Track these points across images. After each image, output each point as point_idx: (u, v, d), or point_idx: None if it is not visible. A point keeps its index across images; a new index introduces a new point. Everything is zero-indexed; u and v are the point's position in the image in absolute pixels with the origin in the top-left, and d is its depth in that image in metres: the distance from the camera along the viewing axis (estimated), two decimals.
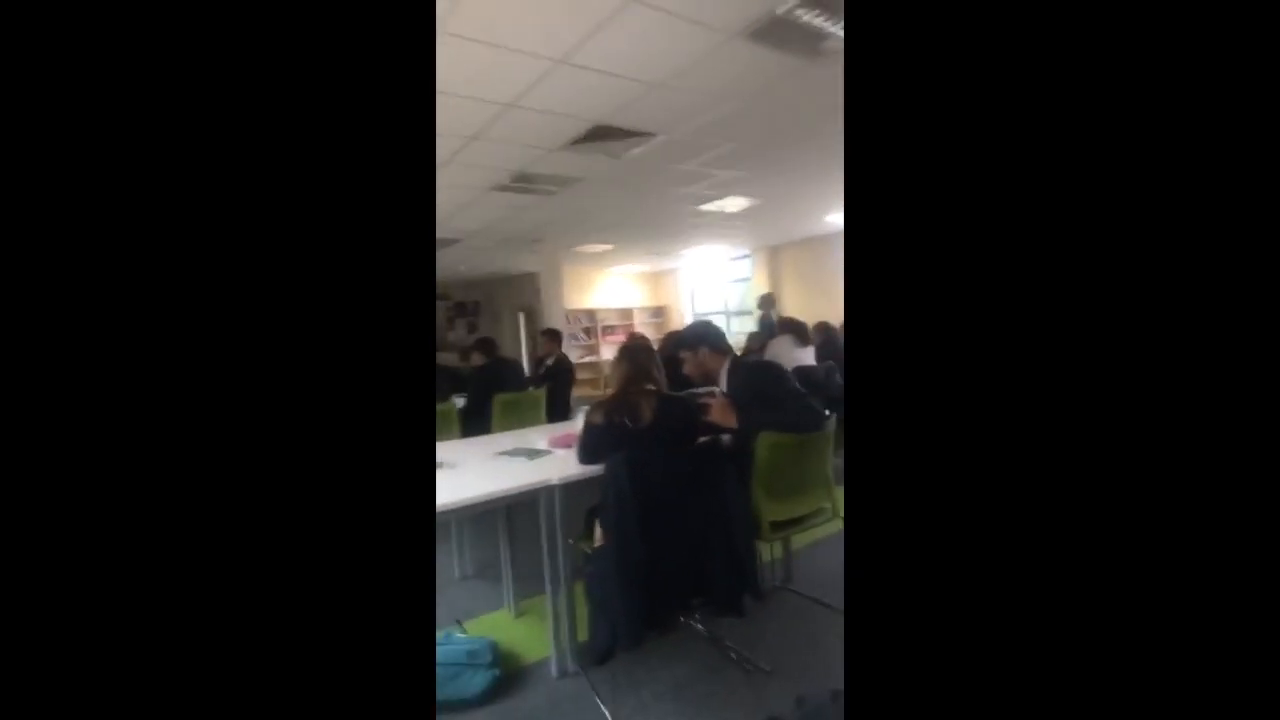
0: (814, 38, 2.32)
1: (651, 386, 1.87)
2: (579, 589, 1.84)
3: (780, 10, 2.10)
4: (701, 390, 2.11)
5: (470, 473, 1.96)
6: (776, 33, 2.25)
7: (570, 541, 1.85)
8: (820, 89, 2.80)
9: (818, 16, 2.16)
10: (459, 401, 3.51)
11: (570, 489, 1.82)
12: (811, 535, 2.34)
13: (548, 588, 1.83)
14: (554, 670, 1.86)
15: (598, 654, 1.71)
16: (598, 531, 1.73)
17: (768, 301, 6.72)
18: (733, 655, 1.92)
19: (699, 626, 2.07)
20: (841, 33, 2.24)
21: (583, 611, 1.78)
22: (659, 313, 10.61)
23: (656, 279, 10.74)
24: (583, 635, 1.82)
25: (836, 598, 2.13)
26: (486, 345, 4.21)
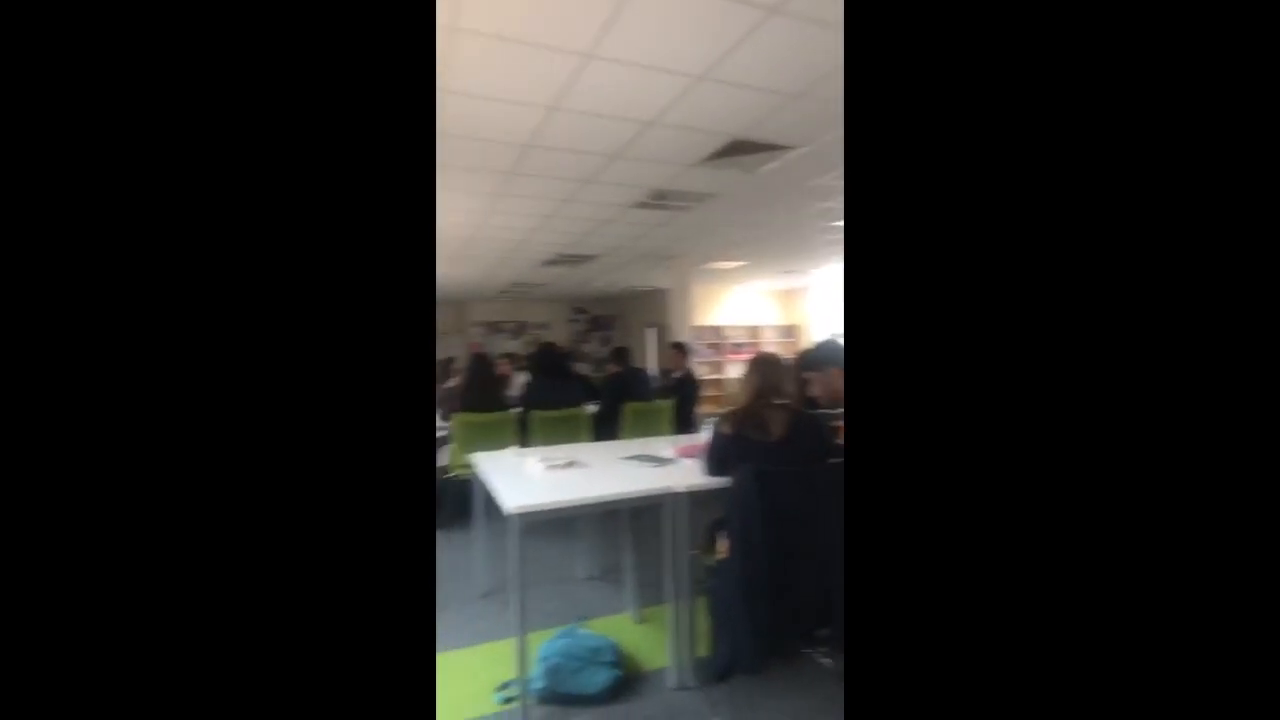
0: None
1: (782, 401, 1.82)
2: (700, 602, 1.82)
3: None
4: (833, 412, 2.00)
5: (599, 473, 2.03)
6: None
7: (693, 553, 1.84)
8: None
9: None
10: (590, 408, 3.68)
11: (694, 499, 1.82)
12: None
13: (668, 597, 1.83)
14: (672, 681, 1.85)
15: (717, 671, 1.67)
16: (720, 545, 1.71)
17: None
18: None
19: (824, 661, 1.95)
20: None
21: (703, 624, 1.76)
22: (789, 332, 10.29)
23: (787, 297, 10.45)
24: (702, 650, 1.79)
25: None
26: (622, 355, 4.41)
